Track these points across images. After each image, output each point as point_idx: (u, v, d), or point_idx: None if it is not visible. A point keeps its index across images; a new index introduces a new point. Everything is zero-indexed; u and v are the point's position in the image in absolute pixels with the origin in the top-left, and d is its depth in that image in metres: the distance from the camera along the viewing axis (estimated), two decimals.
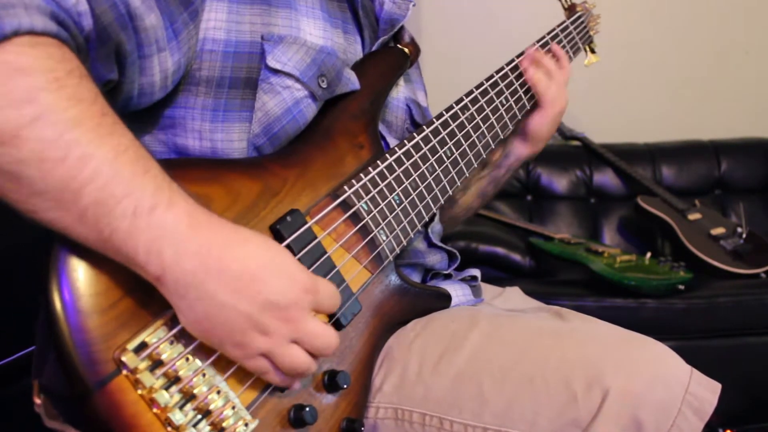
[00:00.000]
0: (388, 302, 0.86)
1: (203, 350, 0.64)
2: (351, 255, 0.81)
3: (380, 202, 0.85)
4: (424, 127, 0.93)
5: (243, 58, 0.80)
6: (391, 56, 0.98)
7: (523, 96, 1.09)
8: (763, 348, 1.98)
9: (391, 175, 0.87)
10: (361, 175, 0.84)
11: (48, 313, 0.58)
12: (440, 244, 1.02)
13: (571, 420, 0.78)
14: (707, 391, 0.79)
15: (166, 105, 0.80)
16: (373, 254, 0.83)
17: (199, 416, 0.63)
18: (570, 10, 1.33)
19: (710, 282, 2.06)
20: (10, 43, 0.56)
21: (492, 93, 1.03)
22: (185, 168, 0.71)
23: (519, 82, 1.08)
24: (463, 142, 0.97)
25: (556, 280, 2.19)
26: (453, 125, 0.96)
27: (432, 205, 0.92)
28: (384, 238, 0.85)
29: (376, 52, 0.96)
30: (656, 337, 0.84)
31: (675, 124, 2.80)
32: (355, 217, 0.82)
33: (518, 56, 1.10)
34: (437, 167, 0.93)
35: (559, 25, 1.22)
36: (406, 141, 0.90)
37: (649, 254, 2.14)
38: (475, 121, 0.99)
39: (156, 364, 0.61)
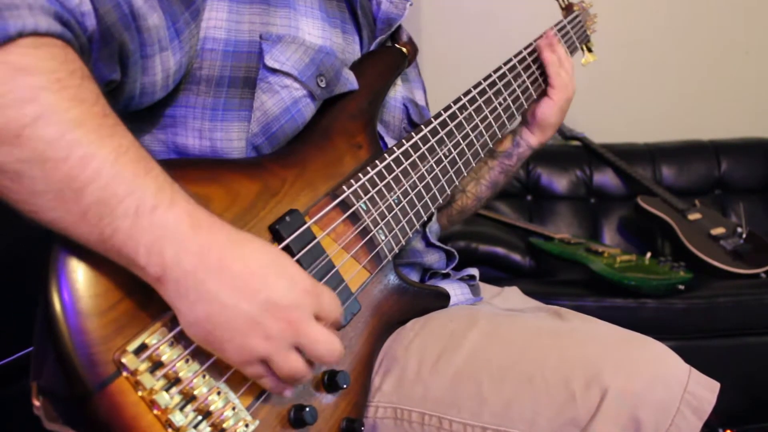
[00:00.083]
0: (387, 302, 0.86)
1: (203, 352, 0.64)
2: (350, 255, 0.81)
3: (379, 201, 0.85)
4: (423, 127, 0.93)
5: (242, 58, 0.80)
6: (389, 56, 0.99)
7: (530, 86, 1.11)
8: (763, 348, 1.98)
9: (389, 175, 0.87)
10: (360, 175, 0.84)
11: (47, 315, 0.58)
12: (438, 243, 1.03)
13: (570, 419, 0.78)
14: (706, 391, 0.79)
15: (167, 104, 0.80)
16: (372, 254, 0.83)
17: (200, 417, 0.63)
18: (567, 9, 1.33)
19: (710, 282, 2.06)
20: (15, 45, 0.56)
21: (490, 93, 1.03)
22: (184, 168, 0.71)
23: (526, 74, 1.11)
24: (462, 142, 0.97)
25: (556, 280, 2.19)
26: (451, 125, 0.96)
27: (430, 205, 0.92)
28: (383, 237, 0.85)
29: (374, 52, 0.97)
30: (656, 337, 0.84)
31: (675, 124, 2.80)
32: (354, 217, 0.82)
33: (525, 48, 1.13)
34: (435, 167, 0.93)
35: (556, 25, 1.22)
36: (404, 141, 0.90)
37: (649, 254, 2.14)
38: (473, 121, 1.00)
39: (156, 365, 0.61)
